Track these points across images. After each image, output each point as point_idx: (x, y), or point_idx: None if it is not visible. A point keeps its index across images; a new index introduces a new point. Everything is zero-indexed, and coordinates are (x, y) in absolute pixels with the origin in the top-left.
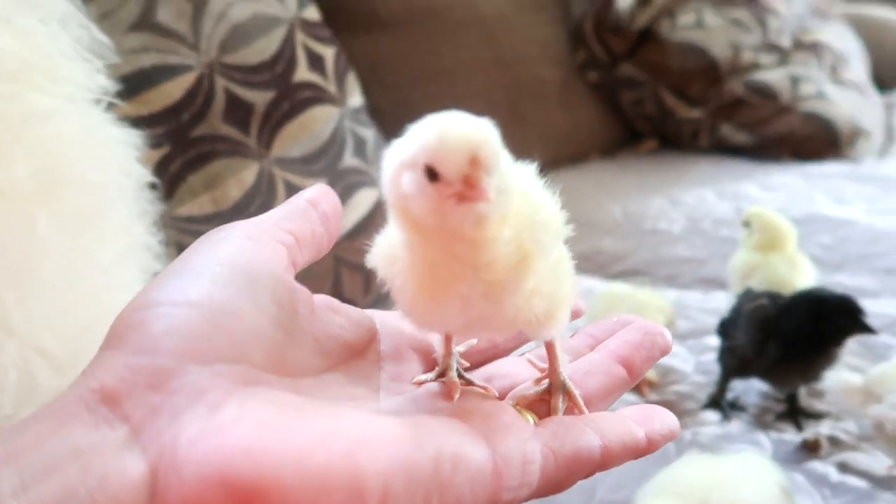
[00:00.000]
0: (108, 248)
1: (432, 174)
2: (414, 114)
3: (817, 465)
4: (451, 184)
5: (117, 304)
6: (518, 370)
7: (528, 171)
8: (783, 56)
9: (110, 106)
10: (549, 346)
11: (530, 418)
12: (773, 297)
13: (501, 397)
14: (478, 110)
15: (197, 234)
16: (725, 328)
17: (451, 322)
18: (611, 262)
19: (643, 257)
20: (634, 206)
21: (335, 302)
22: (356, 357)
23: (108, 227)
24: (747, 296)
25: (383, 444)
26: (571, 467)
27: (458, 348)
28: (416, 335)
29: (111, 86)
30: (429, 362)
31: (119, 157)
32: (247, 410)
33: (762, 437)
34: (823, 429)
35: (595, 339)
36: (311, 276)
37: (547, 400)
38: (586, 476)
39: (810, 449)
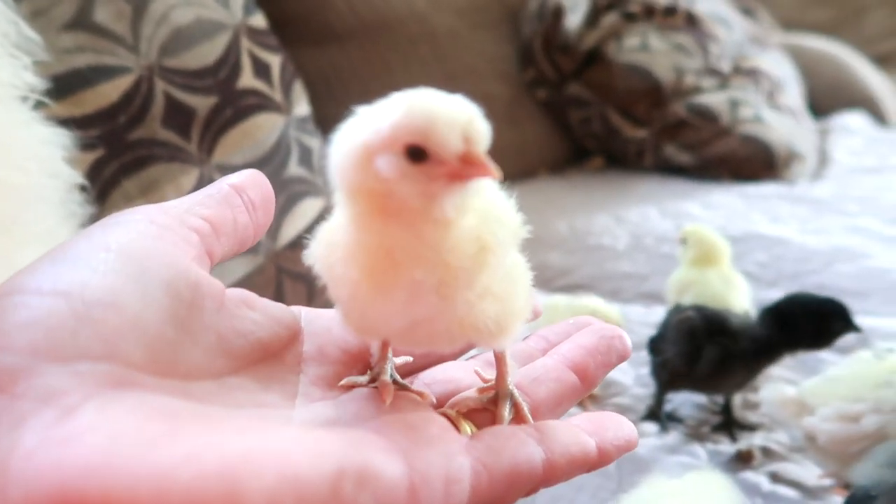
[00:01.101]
0: (28, 252)
1: (417, 154)
2: None
3: (750, 475)
4: (445, 163)
5: None
6: (462, 376)
7: None
8: (723, 80)
9: (39, 105)
10: (498, 354)
11: (469, 429)
12: (699, 309)
13: (441, 405)
14: None
15: None
16: (655, 344)
17: (393, 321)
18: (556, 276)
19: (588, 272)
20: (580, 223)
21: (252, 297)
22: (271, 359)
23: (28, 230)
24: (675, 311)
25: (271, 460)
26: (509, 484)
27: (397, 360)
28: (345, 337)
29: (39, 84)
30: (359, 366)
31: (44, 158)
32: (105, 418)
33: (698, 449)
34: (756, 440)
35: (549, 343)
36: (252, 286)
37: (491, 410)
38: (528, 493)
39: (743, 459)
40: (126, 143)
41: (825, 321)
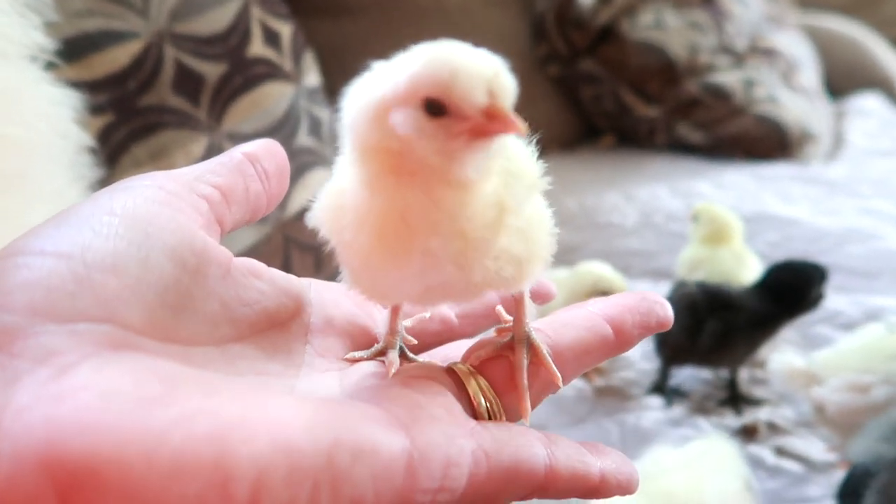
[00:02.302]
0: (37, 210)
1: (436, 109)
2: None
3: (754, 449)
4: (467, 118)
5: None
6: None
7: None
8: (738, 59)
9: (50, 66)
10: (516, 295)
11: (477, 385)
12: (702, 284)
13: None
14: None
15: None
16: None
17: (406, 288)
18: (565, 252)
19: (596, 248)
20: (590, 200)
21: (260, 266)
22: (277, 328)
23: (36, 189)
24: (678, 287)
25: (265, 427)
26: (507, 479)
27: (406, 322)
28: (354, 310)
29: (49, 44)
30: (367, 342)
31: (53, 117)
32: (100, 378)
33: (703, 422)
34: (762, 415)
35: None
36: (260, 256)
37: (507, 359)
38: (522, 498)
39: (748, 433)
40: (136, 108)
41: (809, 284)
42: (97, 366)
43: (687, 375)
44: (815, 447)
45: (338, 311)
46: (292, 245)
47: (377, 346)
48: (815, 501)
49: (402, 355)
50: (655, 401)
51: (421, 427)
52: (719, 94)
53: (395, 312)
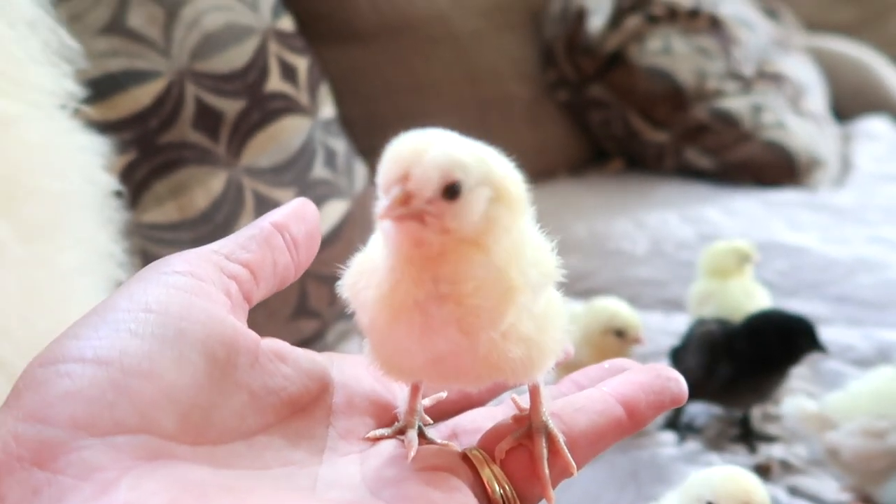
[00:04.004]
0: (67, 256)
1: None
2: (385, 126)
3: (768, 488)
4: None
5: (77, 314)
6: (490, 423)
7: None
8: (746, 85)
9: (76, 111)
10: (531, 386)
11: (491, 473)
12: (722, 323)
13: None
14: (448, 125)
15: (161, 242)
16: (677, 354)
17: (414, 352)
18: (574, 280)
19: (607, 277)
20: (599, 226)
21: (285, 348)
22: (300, 413)
23: (68, 235)
24: (699, 324)
25: None
26: None
27: (425, 401)
28: (376, 387)
29: (78, 91)
30: (387, 418)
31: (83, 165)
32: (138, 496)
33: (716, 459)
34: (775, 452)
35: (581, 388)
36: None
37: (525, 445)
38: None
39: (762, 472)
40: (157, 146)
41: (792, 338)
42: (134, 482)
43: (699, 410)
44: (828, 486)
45: (359, 389)
46: (308, 276)
47: (397, 425)
48: None
49: (421, 435)
50: (669, 436)
51: None
52: (727, 120)
53: (414, 391)
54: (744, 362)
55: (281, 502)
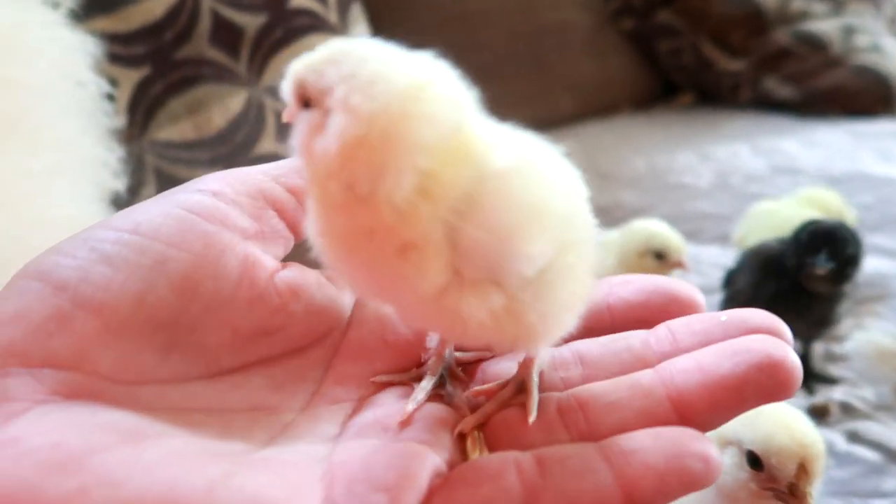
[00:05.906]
0: (42, 156)
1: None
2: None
3: (824, 433)
4: None
5: (52, 217)
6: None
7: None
8: (837, 5)
9: (74, 15)
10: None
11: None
12: (782, 239)
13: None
14: (498, 57)
15: (178, 161)
16: (730, 278)
17: (359, 278)
18: (629, 215)
19: (663, 211)
20: (660, 160)
21: (304, 282)
22: (294, 354)
23: (40, 133)
24: (756, 246)
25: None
26: None
27: (465, 355)
28: (399, 330)
29: None
30: (403, 361)
31: (67, 64)
32: (33, 429)
33: None
34: (836, 394)
35: (674, 343)
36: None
37: (516, 405)
38: None
39: (818, 414)
40: (172, 61)
41: (841, 246)
42: (37, 417)
43: None
44: (895, 434)
45: (376, 328)
46: None
47: (413, 371)
48: (893, 497)
49: (441, 385)
50: None
51: None
52: (813, 44)
53: (442, 338)
54: (784, 278)
55: (178, 455)
